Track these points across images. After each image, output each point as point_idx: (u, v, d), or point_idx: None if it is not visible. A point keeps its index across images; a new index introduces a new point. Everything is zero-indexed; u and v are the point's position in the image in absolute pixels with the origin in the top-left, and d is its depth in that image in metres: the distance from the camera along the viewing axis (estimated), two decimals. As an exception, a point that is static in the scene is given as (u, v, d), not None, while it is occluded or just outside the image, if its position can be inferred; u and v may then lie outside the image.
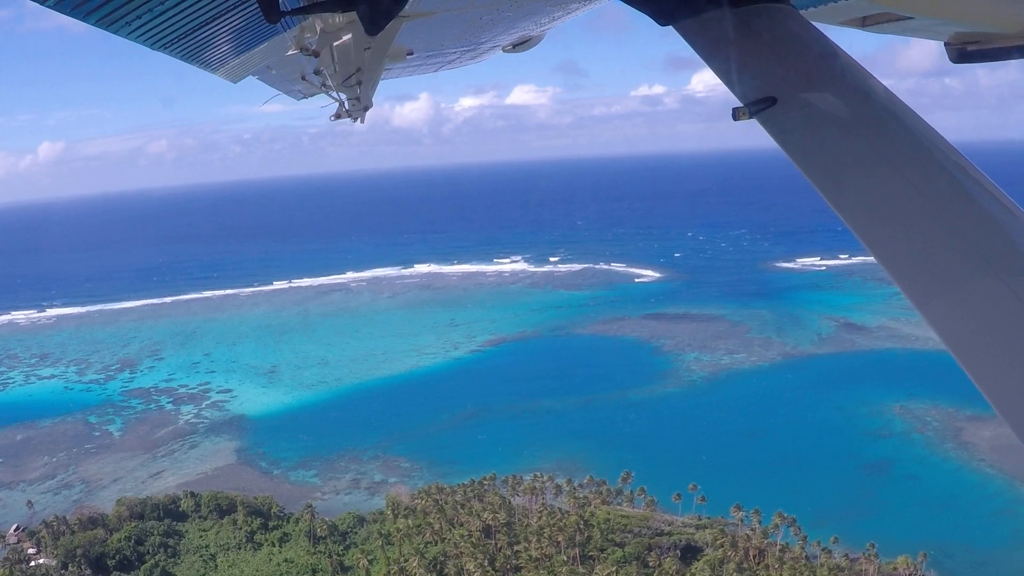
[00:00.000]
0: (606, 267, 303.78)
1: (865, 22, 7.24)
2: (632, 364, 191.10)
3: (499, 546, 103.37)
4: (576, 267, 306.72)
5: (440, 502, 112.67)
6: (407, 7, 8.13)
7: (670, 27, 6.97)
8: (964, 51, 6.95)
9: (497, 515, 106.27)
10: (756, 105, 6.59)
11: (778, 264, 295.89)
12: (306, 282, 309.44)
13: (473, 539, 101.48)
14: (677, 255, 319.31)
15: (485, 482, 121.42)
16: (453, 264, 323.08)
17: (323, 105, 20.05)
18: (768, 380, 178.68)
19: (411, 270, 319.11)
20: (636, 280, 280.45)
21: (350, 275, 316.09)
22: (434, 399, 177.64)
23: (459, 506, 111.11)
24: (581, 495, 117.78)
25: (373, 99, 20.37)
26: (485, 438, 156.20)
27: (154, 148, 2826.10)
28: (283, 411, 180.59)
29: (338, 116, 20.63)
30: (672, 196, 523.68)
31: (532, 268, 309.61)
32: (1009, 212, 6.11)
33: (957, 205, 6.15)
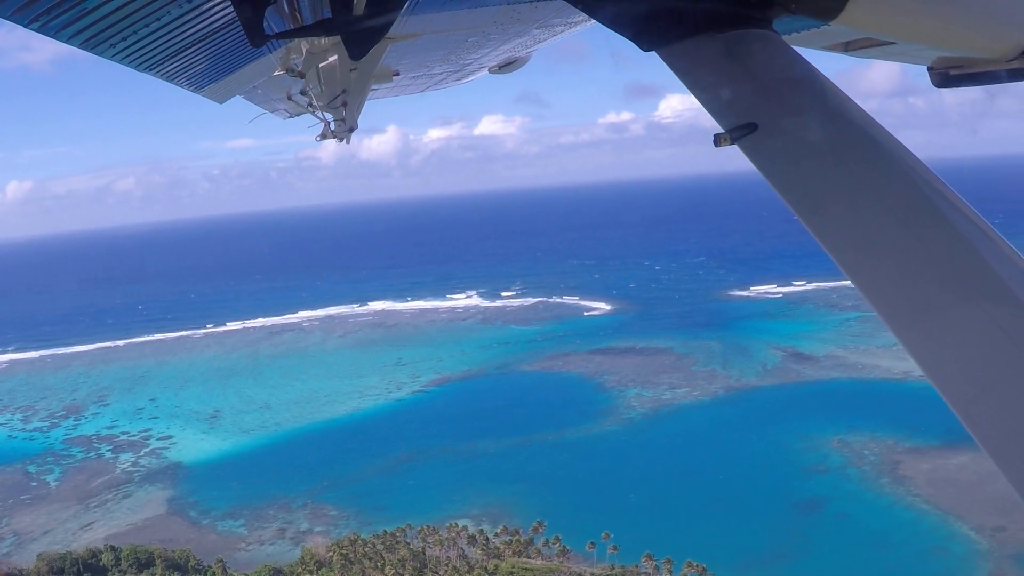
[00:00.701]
0: (559, 300, 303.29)
1: (848, 47, 7.28)
2: (573, 402, 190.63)
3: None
4: (530, 301, 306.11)
5: (348, 555, 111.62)
6: (393, 29, 8.41)
7: (652, 52, 7.00)
8: (947, 75, 7.00)
9: (402, 570, 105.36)
10: (737, 131, 6.61)
11: (733, 292, 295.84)
12: (260, 322, 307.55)
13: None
14: (632, 286, 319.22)
15: (398, 533, 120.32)
16: (407, 301, 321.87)
17: (309, 125, 20.33)
18: (708, 415, 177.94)
19: (365, 308, 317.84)
20: (587, 313, 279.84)
21: (304, 314, 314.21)
22: (371, 442, 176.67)
23: (366, 559, 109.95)
24: (494, 545, 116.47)
25: (359, 120, 20.51)
26: (415, 483, 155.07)
27: (122, 186, 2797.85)
28: (220, 458, 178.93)
29: (324, 136, 20.82)
30: (634, 224, 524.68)
31: (486, 303, 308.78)
32: (989, 239, 6.17)
33: (938, 233, 6.19)
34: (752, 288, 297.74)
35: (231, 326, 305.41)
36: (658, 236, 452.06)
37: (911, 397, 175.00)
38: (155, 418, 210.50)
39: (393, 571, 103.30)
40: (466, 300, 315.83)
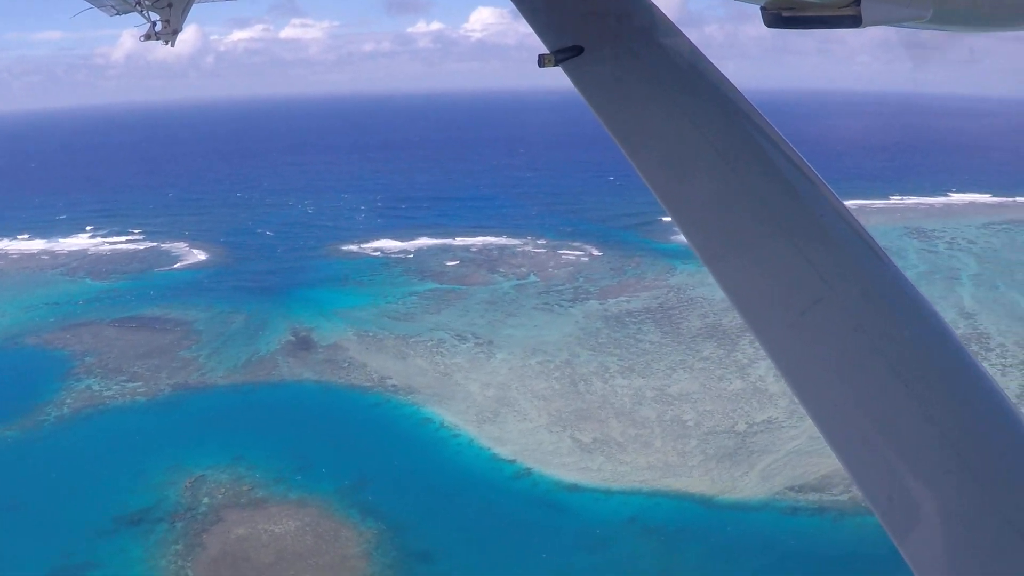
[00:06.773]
0: (169, 246, 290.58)
1: None
2: (17, 391, 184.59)
3: None
4: (141, 246, 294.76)
5: None
6: None
7: None
8: (780, 16, 6.91)
9: None
10: (562, 53, 6.76)
11: (347, 247, 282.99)
12: None
13: None
14: (262, 232, 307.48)
15: None
16: (23, 240, 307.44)
17: (136, 24, 20.05)
18: (117, 423, 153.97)
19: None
20: (174, 266, 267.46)
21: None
22: None
23: None
24: None
25: (184, 24, 20.36)
26: None
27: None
28: None
29: (148, 37, 20.44)
30: (366, 148, 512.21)
31: (96, 248, 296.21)
32: (804, 176, 6.49)
33: (754, 167, 6.51)
34: (372, 242, 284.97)
35: None
36: (368, 165, 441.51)
37: (347, 420, 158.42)
38: None
39: None
40: (82, 241, 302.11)
